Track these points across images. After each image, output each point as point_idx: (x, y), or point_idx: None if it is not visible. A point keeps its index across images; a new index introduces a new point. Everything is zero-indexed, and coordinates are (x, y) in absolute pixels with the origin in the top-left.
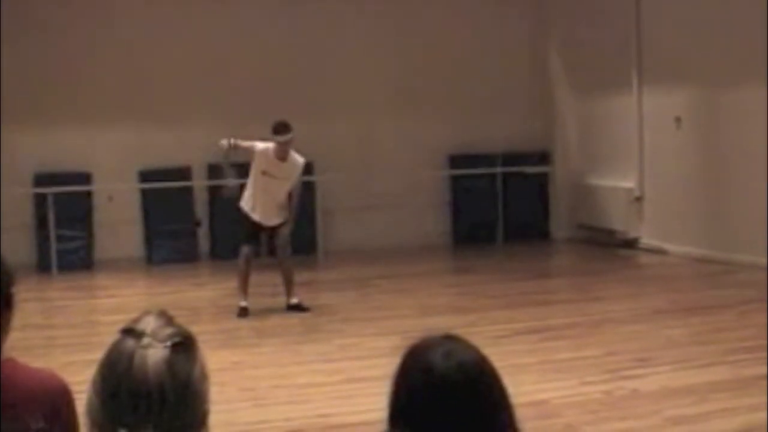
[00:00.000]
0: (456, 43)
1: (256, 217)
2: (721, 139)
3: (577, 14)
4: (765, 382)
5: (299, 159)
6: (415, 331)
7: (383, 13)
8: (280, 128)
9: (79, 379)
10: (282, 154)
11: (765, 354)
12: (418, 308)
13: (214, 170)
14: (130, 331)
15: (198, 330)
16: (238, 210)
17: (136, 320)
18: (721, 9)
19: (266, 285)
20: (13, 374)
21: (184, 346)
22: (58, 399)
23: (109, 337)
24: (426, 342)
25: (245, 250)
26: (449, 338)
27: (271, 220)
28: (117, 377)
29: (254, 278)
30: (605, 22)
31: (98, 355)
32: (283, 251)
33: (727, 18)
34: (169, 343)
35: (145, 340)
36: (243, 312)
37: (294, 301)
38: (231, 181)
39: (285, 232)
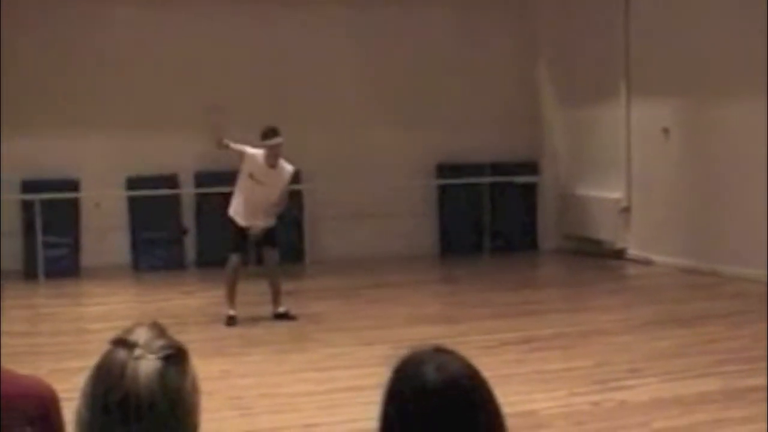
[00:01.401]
0: (444, 52)
1: (241, 221)
2: (709, 151)
3: (566, 24)
4: (754, 394)
5: (288, 167)
6: (402, 340)
7: (372, 22)
8: (270, 133)
9: (66, 387)
10: (271, 161)
11: (754, 366)
12: (405, 318)
13: (201, 178)
14: (121, 342)
15: (185, 338)
16: (227, 219)
17: (128, 331)
18: (710, 21)
19: (253, 294)
20: None
21: (176, 358)
22: (45, 405)
23: (96, 345)
24: (417, 355)
25: (233, 259)
26: (440, 351)
27: (256, 224)
28: (108, 388)
29: (241, 287)
30: (594, 33)
31: (85, 362)
32: (271, 259)
33: (715, 30)
34: (161, 355)
35: (137, 352)
36: (231, 321)
37: (281, 310)
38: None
39: (273, 246)
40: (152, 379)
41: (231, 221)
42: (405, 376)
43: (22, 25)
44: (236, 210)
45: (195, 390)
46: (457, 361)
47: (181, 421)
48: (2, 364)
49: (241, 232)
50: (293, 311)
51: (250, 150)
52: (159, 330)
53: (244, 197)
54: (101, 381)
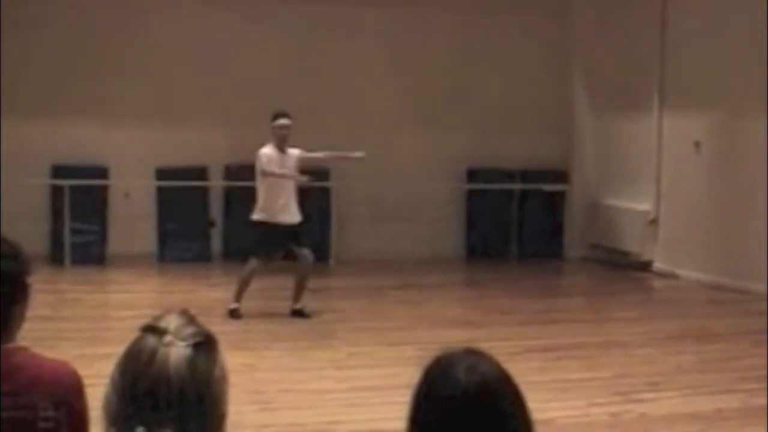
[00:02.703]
0: (478, 56)
1: (269, 218)
2: (740, 166)
3: (601, 34)
4: None
5: (295, 150)
6: (425, 342)
7: (404, 24)
8: (278, 115)
9: (89, 372)
10: (280, 143)
11: None
12: (429, 320)
13: (230, 171)
14: (152, 329)
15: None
16: (252, 224)
17: (158, 318)
18: (744, 35)
19: (280, 289)
20: (25, 363)
21: (205, 346)
22: (70, 390)
23: (119, 332)
24: (449, 355)
25: (253, 262)
26: (472, 352)
27: (293, 216)
28: (137, 374)
29: (268, 282)
30: (628, 43)
31: (108, 349)
32: (306, 258)
33: (750, 44)
34: (191, 342)
35: (167, 338)
36: (234, 313)
37: (298, 306)
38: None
39: (306, 246)
40: (182, 366)
41: (257, 224)
42: (435, 376)
43: (57, 9)
44: (262, 209)
45: (224, 378)
46: (488, 362)
47: (210, 408)
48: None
49: (270, 233)
50: (317, 309)
51: (259, 151)
52: (189, 317)
53: (266, 195)
54: (131, 367)
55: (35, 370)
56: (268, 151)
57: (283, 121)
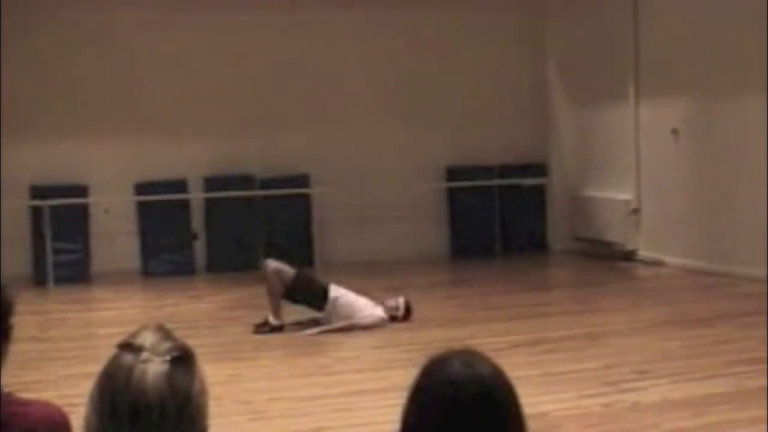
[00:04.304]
0: (453, 54)
1: None
2: (719, 151)
3: (575, 26)
4: (764, 395)
5: None
6: (412, 343)
7: (380, 25)
8: None
9: (76, 392)
10: None
11: (764, 366)
12: (416, 321)
13: (210, 183)
14: (128, 346)
15: (195, 343)
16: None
17: (134, 335)
18: (719, 20)
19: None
20: (10, 410)
21: (183, 360)
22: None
23: (106, 350)
24: (445, 355)
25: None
26: (468, 352)
27: None
28: (115, 392)
29: (254, 291)
30: (602, 33)
31: (96, 368)
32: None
33: (724, 29)
34: (168, 357)
35: (144, 355)
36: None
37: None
38: None
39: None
40: (160, 382)
41: None
42: (431, 375)
43: (29, 27)
44: None
45: (203, 392)
46: (485, 361)
47: (190, 424)
48: (12, 370)
49: None
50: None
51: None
52: (165, 332)
53: None
54: (108, 386)
55: (22, 417)
56: None
57: None
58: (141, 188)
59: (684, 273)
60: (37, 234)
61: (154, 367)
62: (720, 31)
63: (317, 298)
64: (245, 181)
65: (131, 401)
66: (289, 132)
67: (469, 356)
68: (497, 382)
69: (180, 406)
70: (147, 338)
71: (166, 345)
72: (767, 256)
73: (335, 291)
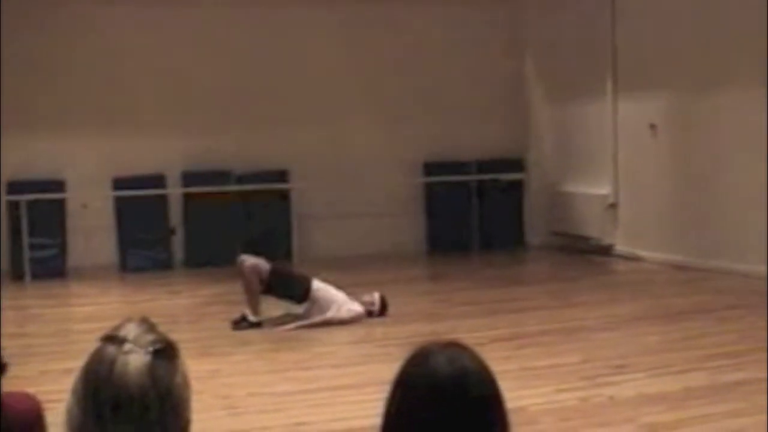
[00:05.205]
0: (430, 50)
1: None
2: (697, 146)
3: (552, 21)
4: (741, 389)
5: None
6: (389, 338)
7: (357, 20)
8: None
9: (55, 388)
10: None
11: (740, 360)
12: (394, 316)
13: (188, 178)
14: (111, 338)
15: (174, 338)
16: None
17: (118, 327)
18: (696, 15)
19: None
20: None
21: (166, 352)
22: (30, 421)
23: (84, 345)
24: (429, 347)
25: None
26: (452, 344)
27: None
28: (98, 383)
29: (230, 287)
30: (579, 29)
31: (74, 364)
32: None
33: (701, 24)
34: (150, 349)
35: (127, 347)
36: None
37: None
38: None
39: None
40: (142, 374)
41: None
42: (415, 367)
43: (4, 25)
44: None
45: (186, 385)
46: (468, 354)
47: (173, 415)
48: None
49: None
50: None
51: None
52: (148, 325)
53: None
54: (91, 377)
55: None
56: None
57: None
58: (118, 183)
59: (661, 268)
60: (14, 229)
61: (136, 359)
62: (697, 26)
63: (298, 290)
64: (223, 176)
65: (113, 392)
66: (267, 127)
67: (454, 349)
68: (482, 377)
69: (161, 397)
70: (130, 330)
71: (150, 337)
72: (745, 250)
73: (316, 284)
